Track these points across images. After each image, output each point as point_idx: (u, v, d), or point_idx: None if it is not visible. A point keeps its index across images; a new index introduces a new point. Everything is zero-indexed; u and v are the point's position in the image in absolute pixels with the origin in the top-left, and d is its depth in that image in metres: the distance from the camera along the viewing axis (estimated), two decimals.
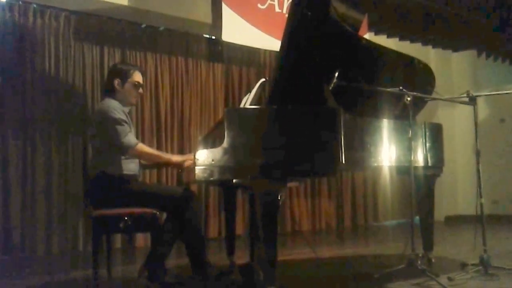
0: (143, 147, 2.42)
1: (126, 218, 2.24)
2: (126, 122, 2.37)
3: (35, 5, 3.94)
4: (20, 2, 3.90)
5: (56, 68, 4.01)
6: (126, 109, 2.48)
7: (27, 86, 3.88)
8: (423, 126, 2.64)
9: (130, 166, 2.43)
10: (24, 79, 3.87)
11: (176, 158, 2.50)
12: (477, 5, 4.77)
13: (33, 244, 3.76)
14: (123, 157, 2.39)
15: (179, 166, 2.44)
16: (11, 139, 3.77)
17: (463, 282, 2.34)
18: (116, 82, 2.46)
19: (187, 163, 2.38)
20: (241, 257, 2.93)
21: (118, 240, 4.11)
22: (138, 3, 4.14)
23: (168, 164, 2.56)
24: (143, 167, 2.64)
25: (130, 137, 2.36)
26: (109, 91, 2.49)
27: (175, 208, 2.32)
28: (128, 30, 4.40)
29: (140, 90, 2.55)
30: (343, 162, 2.02)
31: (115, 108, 2.38)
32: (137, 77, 2.50)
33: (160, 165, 2.87)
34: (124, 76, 2.47)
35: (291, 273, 2.84)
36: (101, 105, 2.51)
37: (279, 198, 1.96)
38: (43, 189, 3.85)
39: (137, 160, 2.49)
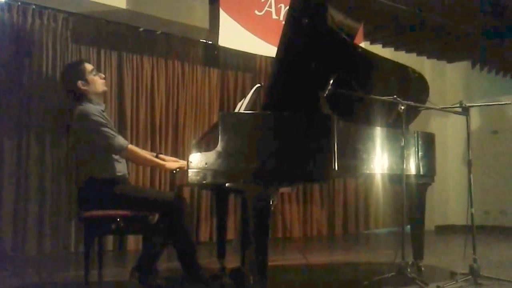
0: (133, 148, 2.45)
1: (118, 220, 2.24)
2: (107, 125, 2.36)
3: (34, 6, 3.95)
4: (19, 3, 3.90)
5: (53, 69, 4.00)
6: (101, 108, 2.46)
7: (23, 87, 3.87)
8: (416, 135, 2.66)
9: (118, 167, 2.42)
10: (21, 79, 3.87)
11: (170, 165, 2.43)
12: (472, 16, 4.83)
13: (25, 244, 3.73)
14: (110, 158, 2.38)
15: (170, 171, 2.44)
16: (6, 139, 3.76)
17: None
18: (80, 83, 2.43)
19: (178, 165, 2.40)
20: (232, 261, 2.92)
21: (109, 243, 4.09)
22: (136, 6, 4.16)
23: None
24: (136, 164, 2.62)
25: (119, 139, 2.36)
26: (79, 97, 2.45)
27: (166, 213, 2.32)
28: (125, 33, 4.41)
29: (101, 74, 2.54)
30: (336, 168, 2.04)
31: (93, 111, 2.36)
32: (89, 66, 2.50)
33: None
34: (81, 74, 2.45)
35: (281, 278, 2.85)
36: (78, 112, 2.40)
37: (271, 203, 1.97)
38: (35, 189, 3.83)
39: (124, 160, 2.48)
